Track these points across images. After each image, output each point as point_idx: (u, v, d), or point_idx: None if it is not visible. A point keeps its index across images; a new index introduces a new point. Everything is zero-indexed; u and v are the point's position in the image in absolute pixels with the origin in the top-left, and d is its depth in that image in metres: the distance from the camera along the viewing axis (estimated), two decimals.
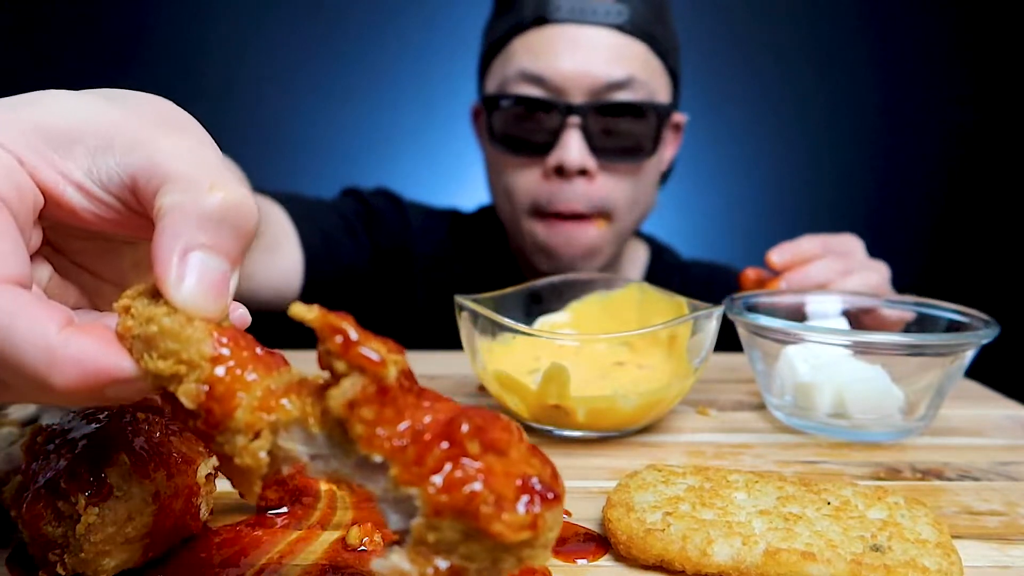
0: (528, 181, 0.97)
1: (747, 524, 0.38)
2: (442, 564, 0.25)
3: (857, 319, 0.73)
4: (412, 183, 1.52)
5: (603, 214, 0.97)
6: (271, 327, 0.93)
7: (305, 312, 0.25)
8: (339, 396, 0.25)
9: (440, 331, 0.99)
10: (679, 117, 1.09)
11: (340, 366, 0.25)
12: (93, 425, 0.36)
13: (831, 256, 0.80)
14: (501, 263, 1.11)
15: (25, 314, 0.24)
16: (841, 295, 0.70)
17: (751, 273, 0.83)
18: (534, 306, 0.69)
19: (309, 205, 0.99)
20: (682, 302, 0.64)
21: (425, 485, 0.24)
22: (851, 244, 0.84)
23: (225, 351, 0.25)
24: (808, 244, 0.80)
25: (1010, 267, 2.21)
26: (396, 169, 2.11)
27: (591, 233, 0.97)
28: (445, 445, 0.25)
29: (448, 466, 0.24)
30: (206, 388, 0.25)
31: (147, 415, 0.38)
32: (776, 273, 0.80)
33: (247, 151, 2.22)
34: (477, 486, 0.24)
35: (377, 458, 0.25)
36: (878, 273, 0.82)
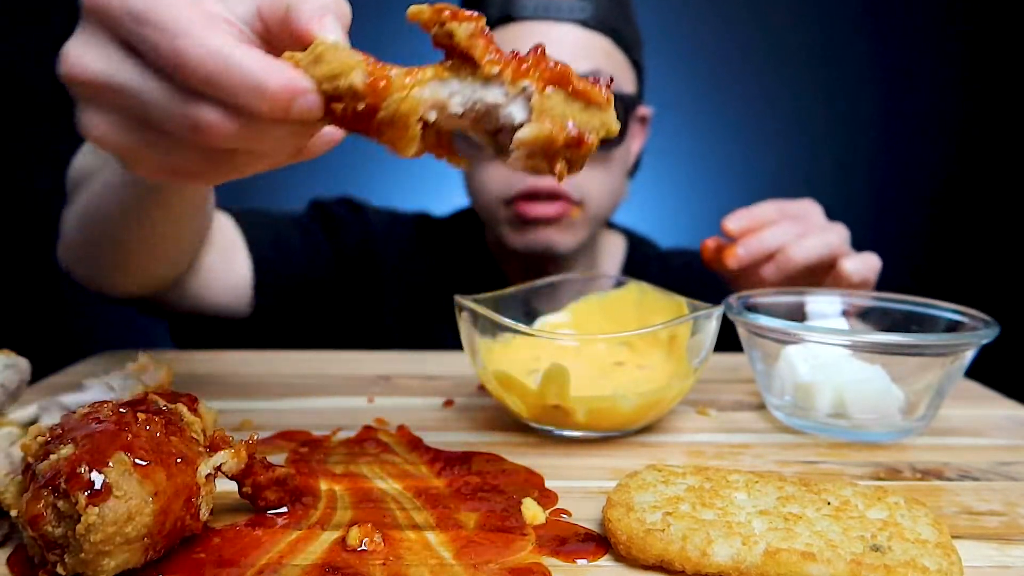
0: (493, 172, 0.97)
1: (747, 524, 0.38)
2: (570, 125, 0.39)
3: (817, 278, 0.77)
4: (385, 190, 1.51)
5: (575, 202, 0.98)
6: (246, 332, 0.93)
7: (417, 12, 0.39)
8: (463, 29, 0.38)
9: (411, 332, 1.00)
10: (644, 110, 1.10)
11: (452, 26, 0.38)
12: (93, 425, 0.36)
13: (787, 221, 0.80)
14: (476, 261, 1.11)
15: (245, 46, 0.35)
16: (841, 295, 0.70)
17: (710, 243, 0.83)
18: (534, 306, 0.69)
19: (263, 215, 0.99)
20: (682, 302, 0.64)
21: (534, 73, 0.39)
22: (808, 208, 0.85)
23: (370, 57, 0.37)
24: (762, 209, 0.81)
25: (1010, 267, 2.21)
26: (371, 176, 2.10)
27: (566, 221, 0.98)
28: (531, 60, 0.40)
29: (546, 63, 0.40)
30: (368, 75, 0.36)
31: (147, 415, 0.38)
32: (733, 240, 0.80)
33: None
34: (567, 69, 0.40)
35: (495, 69, 0.39)
36: (836, 234, 0.82)
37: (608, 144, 0.97)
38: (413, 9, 0.38)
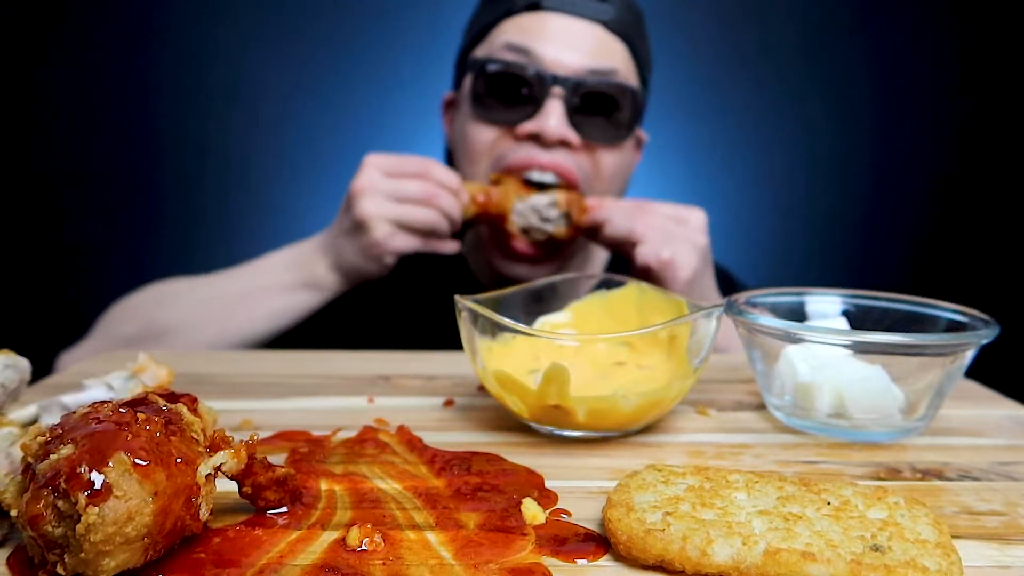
0: (502, 146, 1.00)
1: (747, 524, 0.38)
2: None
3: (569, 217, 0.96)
4: None
5: (575, 184, 1.00)
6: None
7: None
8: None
9: (412, 332, 1.00)
10: (642, 134, 1.12)
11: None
12: (93, 425, 0.36)
13: (633, 208, 0.94)
14: (456, 261, 1.13)
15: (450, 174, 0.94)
16: (841, 295, 0.70)
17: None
18: (534, 306, 0.69)
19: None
20: (682, 302, 0.64)
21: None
22: (684, 214, 0.94)
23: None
24: (621, 201, 0.98)
25: (1010, 267, 2.21)
26: None
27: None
28: None
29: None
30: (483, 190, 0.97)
31: (147, 415, 0.38)
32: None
33: (245, 155, 2.22)
34: None
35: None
36: (684, 251, 0.91)
37: (612, 138, 1.00)
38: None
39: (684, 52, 2.15)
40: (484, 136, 1.01)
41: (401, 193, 0.92)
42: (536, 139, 0.96)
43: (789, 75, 2.23)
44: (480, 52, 1.03)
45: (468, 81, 1.02)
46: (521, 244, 0.99)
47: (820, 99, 2.24)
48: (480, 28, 1.04)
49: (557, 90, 0.95)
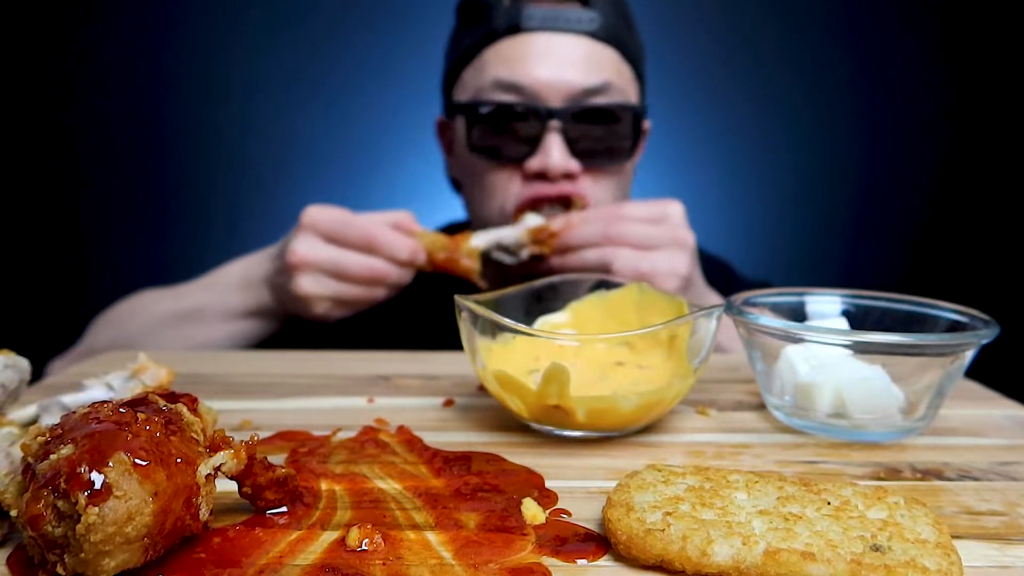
0: (511, 185, 0.97)
1: (747, 524, 0.38)
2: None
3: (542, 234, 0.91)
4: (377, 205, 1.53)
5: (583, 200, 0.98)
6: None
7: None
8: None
9: (412, 332, 1.00)
10: (645, 123, 1.10)
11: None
12: (93, 425, 0.36)
13: (599, 221, 0.89)
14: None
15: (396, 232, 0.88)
16: (841, 295, 0.70)
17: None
18: (534, 306, 0.69)
19: None
20: (682, 302, 0.64)
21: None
22: (658, 211, 0.89)
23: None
24: (585, 213, 0.92)
25: (1009, 267, 2.21)
26: (369, 194, 2.11)
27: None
28: None
29: None
30: (446, 244, 0.92)
31: (147, 415, 0.38)
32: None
33: (251, 156, 2.21)
34: None
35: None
36: (666, 258, 0.87)
37: (617, 157, 0.98)
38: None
39: (678, 49, 2.15)
40: (493, 179, 0.98)
41: (342, 269, 0.86)
42: (543, 176, 0.94)
43: (787, 75, 2.24)
44: (468, 86, 0.99)
45: (462, 124, 0.99)
46: (483, 284, 0.94)
47: (818, 97, 2.24)
48: (463, 51, 1.00)
49: (554, 123, 0.93)
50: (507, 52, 0.95)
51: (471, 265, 0.90)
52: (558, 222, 0.92)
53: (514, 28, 0.95)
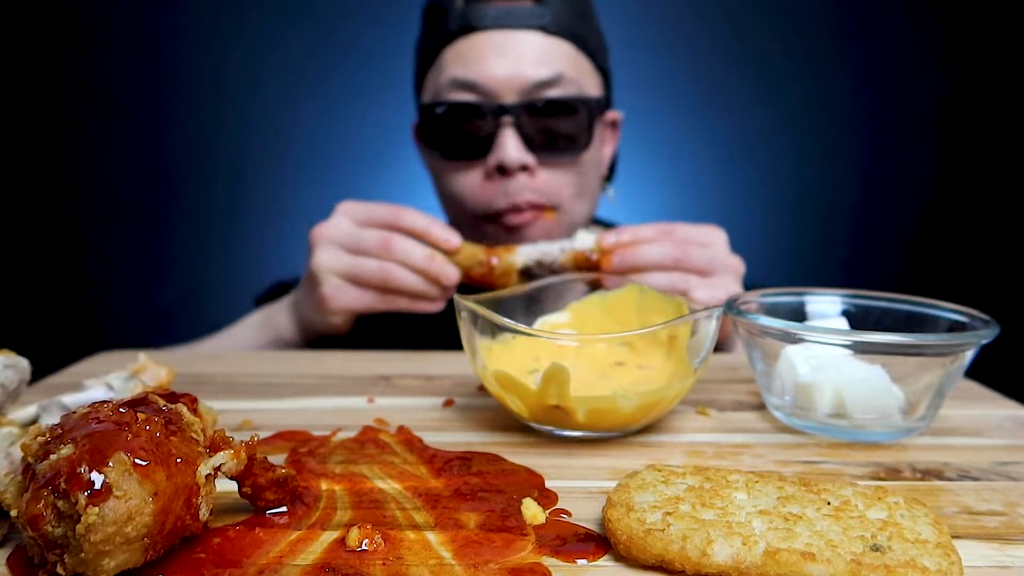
0: (471, 184, 0.98)
1: (747, 524, 0.38)
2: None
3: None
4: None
5: (550, 207, 0.98)
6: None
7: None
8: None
9: (412, 332, 1.00)
10: (614, 114, 1.10)
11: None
12: (93, 425, 0.36)
13: (667, 242, 0.87)
14: None
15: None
16: (841, 295, 0.70)
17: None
18: (534, 306, 0.69)
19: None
20: (682, 302, 0.64)
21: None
22: (709, 236, 0.88)
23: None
24: (646, 230, 0.88)
25: (1009, 267, 2.21)
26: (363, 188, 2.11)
27: (542, 224, 0.99)
28: None
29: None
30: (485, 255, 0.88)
31: (147, 415, 0.38)
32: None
33: (255, 160, 2.20)
34: None
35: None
36: (726, 285, 0.86)
37: (573, 149, 0.98)
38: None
39: (678, 49, 2.15)
40: (455, 178, 0.99)
41: (356, 243, 0.86)
42: (502, 170, 0.95)
43: (785, 74, 2.23)
44: (429, 88, 1.01)
45: (424, 125, 1.01)
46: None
47: (818, 97, 2.24)
48: (425, 52, 1.02)
49: (507, 119, 0.94)
50: (462, 51, 0.97)
51: (507, 282, 0.88)
52: (610, 238, 0.88)
53: (468, 28, 0.96)
